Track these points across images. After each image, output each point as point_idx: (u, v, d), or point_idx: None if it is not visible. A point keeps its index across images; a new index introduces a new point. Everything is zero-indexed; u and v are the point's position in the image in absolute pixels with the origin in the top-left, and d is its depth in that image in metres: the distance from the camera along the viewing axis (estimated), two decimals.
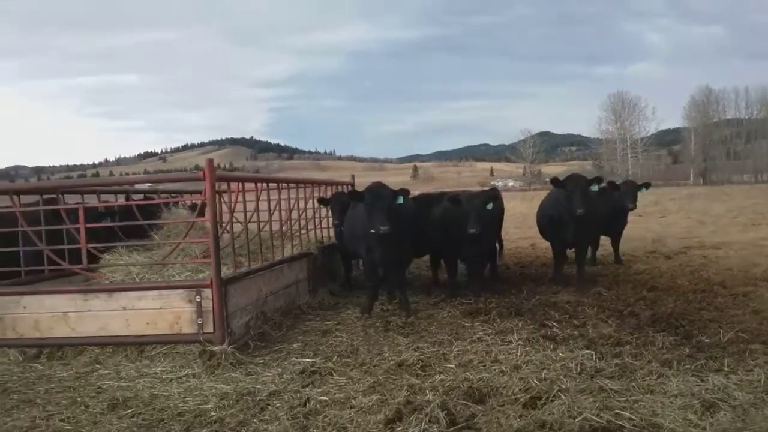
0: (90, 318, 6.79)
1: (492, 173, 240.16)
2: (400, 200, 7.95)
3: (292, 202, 9.44)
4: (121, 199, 9.92)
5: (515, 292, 9.60)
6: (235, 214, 8.46)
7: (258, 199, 8.20)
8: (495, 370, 5.83)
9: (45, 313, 6.86)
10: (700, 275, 10.53)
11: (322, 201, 10.09)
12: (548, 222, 10.22)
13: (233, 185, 8.18)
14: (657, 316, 7.43)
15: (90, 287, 6.89)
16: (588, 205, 9.17)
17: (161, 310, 6.70)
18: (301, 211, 9.85)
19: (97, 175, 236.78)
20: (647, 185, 12.44)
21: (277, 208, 8.68)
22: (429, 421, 4.50)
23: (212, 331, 6.61)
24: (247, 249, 7.71)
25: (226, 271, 7.19)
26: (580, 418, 4.45)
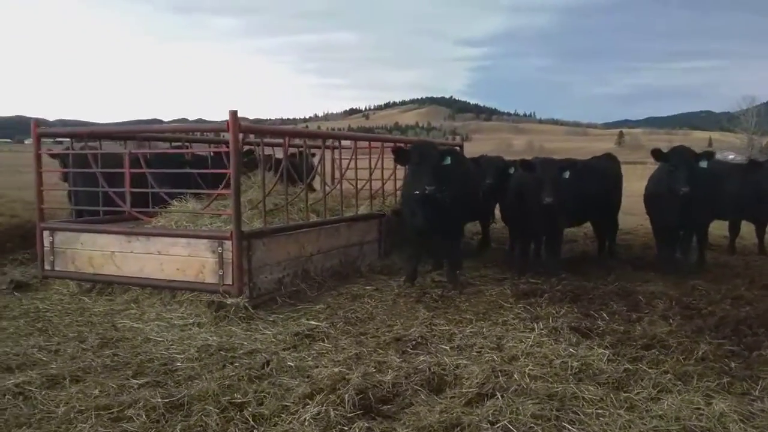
0: (132, 259, 7.21)
1: (710, 144, 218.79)
2: (448, 161, 7.38)
3: (364, 161, 9.19)
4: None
5: (603, 275, 8.60)
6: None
7: (318, 156, 8.07)
8: (486, 358, 5.27)
9: (97, 251, 7.40)
10: None
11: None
12: (650, 200, 8.99)
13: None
14: (727, 320, 6.22)
15: (132, 230, 7.28)
16: (695, 183, 7.92)
17: (189, 258, 6.92)
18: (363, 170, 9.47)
19: (306, 128, 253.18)
20: None
21: (339, 167, 8.47)
22: (338, 403, 4.16)
23: (231, 283, 6.70)
24: (285, 205, 7.64)
25: (258, 225, 7.23)
26: (498, 425, 3.85)
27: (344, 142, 9.62)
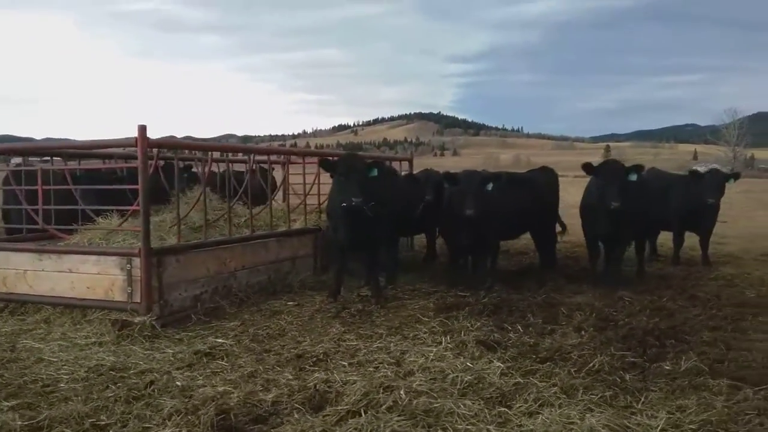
0: (44, 277, 7.05)
1: (695, 156, 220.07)
2: (374, 173, 7.29)
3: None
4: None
5: (535, 287, 8.51)
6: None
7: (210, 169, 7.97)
8: (380, 374, 5.16)
9: (11, 269, 7.23)
10: None
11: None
12: (583, 212, 8.94)
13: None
14: (635, 332, 6.15)
15: (43, 248, 7.14)
16: (625, 198, 7.88)
17: (99, 276, 6.78)
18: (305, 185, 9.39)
19: (295, 145, 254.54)
20: (736, 176, 10.48)
21: (269, 183, 8.37)
22: (195, 424, 4.04)
23: (139, 301, 6.56)
24: (204, 219, 7.52)
25: (173, 241, 7.11)
26: None
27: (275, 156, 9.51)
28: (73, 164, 8.92)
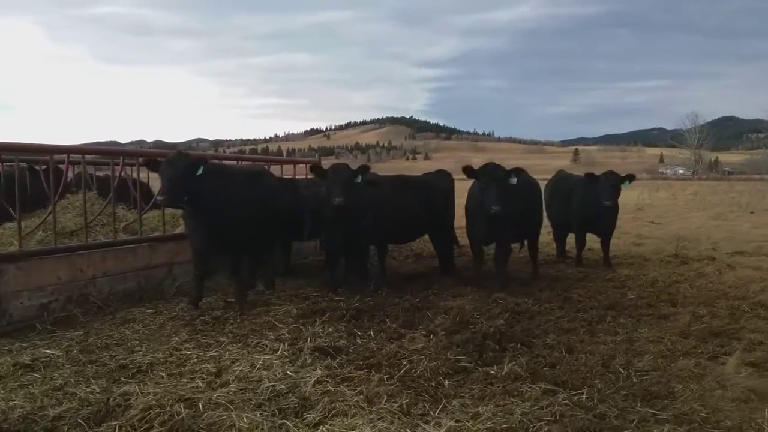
0: None
1: (662, 159, 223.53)
2: (200, 171, 6.95)
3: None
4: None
5: (415, 291, 8.27)
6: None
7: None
8: (191, 385, 4.90)
9: None
10: (667, 290, 8.55)
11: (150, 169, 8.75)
12: (467, 215, 8.78)
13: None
14: (475, 335, 5.97)
15: None
16: (505, 201, 7.75)
17: None
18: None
19: (266, 150, 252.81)
20: (631, 177, 10.43)
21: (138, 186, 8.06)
22: None
23: None
24: (53, 225, 7.20)
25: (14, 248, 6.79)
26: None
27: None
28: None
